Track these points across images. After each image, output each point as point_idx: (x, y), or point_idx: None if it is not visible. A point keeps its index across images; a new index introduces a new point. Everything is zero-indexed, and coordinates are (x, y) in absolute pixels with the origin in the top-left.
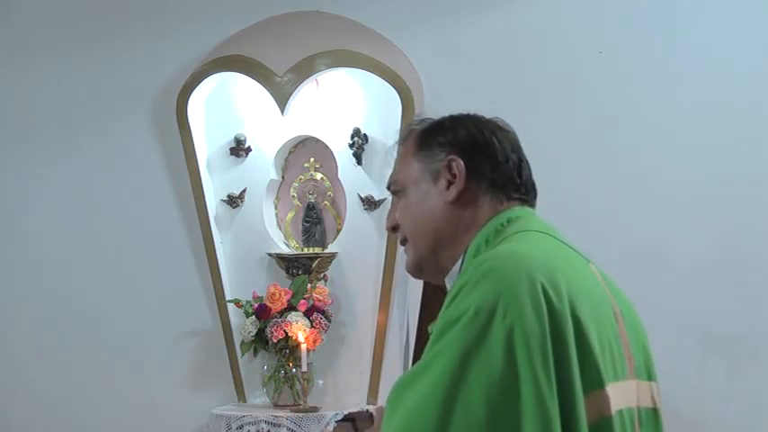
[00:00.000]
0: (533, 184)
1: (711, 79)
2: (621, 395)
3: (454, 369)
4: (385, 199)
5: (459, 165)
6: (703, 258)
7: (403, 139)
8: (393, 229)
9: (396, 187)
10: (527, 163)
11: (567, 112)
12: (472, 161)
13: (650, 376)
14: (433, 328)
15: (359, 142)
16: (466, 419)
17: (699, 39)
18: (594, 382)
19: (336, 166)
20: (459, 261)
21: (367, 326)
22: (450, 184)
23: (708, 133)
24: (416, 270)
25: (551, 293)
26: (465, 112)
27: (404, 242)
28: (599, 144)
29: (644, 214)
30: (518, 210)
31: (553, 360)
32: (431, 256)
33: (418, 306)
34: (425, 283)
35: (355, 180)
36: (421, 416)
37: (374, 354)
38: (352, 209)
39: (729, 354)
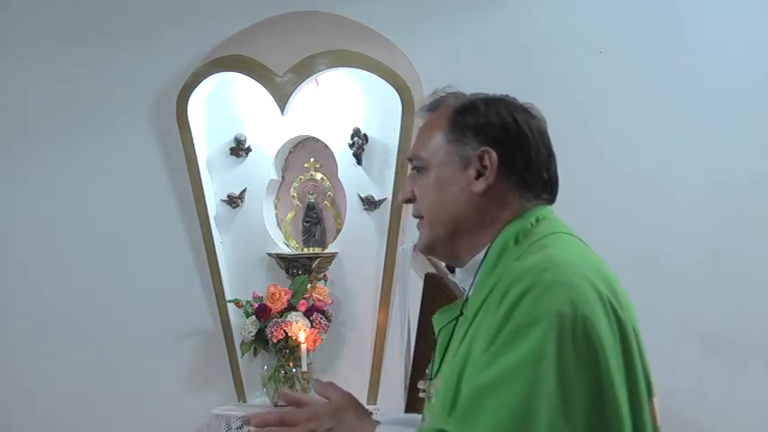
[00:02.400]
0: (557, 179)
1: (711, 79)
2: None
3: (546, 375)
4: (385, 199)
5: (492, 157)
6: (703, 259)
7: (431, 107)
8: (407, 201)
9: (418, 163)
10: (554, 156)
11: (567, 113)
12: (505, 155)
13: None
14: (489, 332)
15: (359, 142)
16: (556, 425)
17: (699, 39)
18: (648, 392)
19: (336, 166)
20: (482, 254)
21: (367, 326)
22: (479, 175)
23: (708, 134)
24: (428, 250)
25: (615, 305)
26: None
27: (418, 216)
28: (599, 144)
29: (644, 215)
30: (542, 210)
31: (624, 370)
32: (447, 240)
33: (418, 306)
34: (425, 283)
35: (355, 180)
36: (516, 422)
37: (374, 354)
38: (352, 209)
39: (729, 354)
